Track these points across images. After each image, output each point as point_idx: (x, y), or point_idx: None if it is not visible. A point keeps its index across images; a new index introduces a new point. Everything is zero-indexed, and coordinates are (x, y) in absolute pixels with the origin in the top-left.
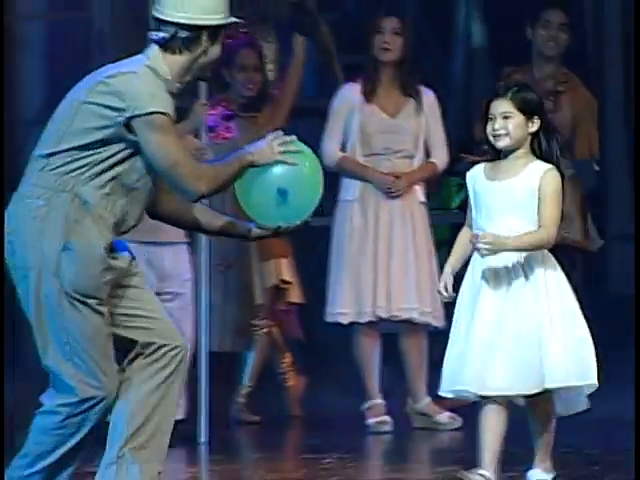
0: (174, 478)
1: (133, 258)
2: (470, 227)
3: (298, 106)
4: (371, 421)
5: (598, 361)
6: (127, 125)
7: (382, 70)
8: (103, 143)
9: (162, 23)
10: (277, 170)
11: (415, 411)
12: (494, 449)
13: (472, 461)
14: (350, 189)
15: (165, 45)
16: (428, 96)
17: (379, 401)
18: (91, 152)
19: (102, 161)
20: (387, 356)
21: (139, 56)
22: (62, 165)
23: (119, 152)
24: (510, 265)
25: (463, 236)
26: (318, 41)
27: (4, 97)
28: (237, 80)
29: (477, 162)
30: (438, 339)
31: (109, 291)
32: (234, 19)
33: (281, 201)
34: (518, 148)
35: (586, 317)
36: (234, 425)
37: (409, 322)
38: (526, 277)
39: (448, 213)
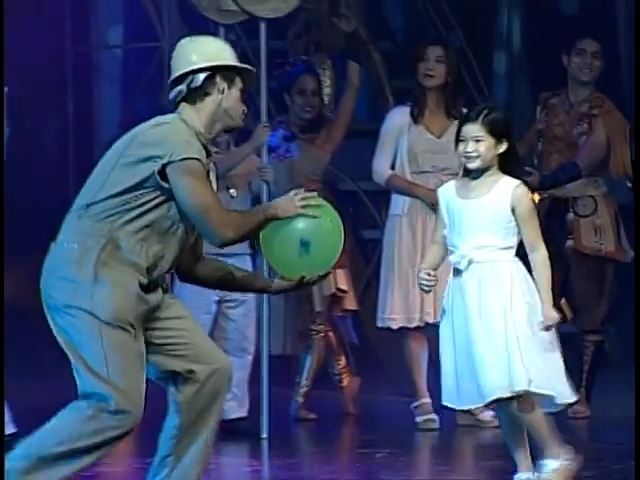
0: (238, 470)
1: (165, 291)
2: (438, 244)
3: (352, 128)
4: (419, 419)
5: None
6: (161, 172)
7: (428, 94)
8: (138, 191)
9: (179, 82)
10: (299, 222)
11: (460, 409)
12: (523, 447)
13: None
14: (399, 204)
15: (187, 97)
16: None
17: (427, 400)
18: (126, 199)
19: (136, 207)
20: (434, 358)
21: (171, 114)
22: (98, 212)
23: (153, 199)
24: (487, 278)
25: (431, 255)
26: (370, 68)
27: (83, 120)
28: (297, 104)
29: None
30: None
31: (144, 323)
32: (245, 65)
33: (304, 252)
34: (488, 168)
35: (618, 325)
36: (293, 422)
37: None
38: (499, 288)
39: None
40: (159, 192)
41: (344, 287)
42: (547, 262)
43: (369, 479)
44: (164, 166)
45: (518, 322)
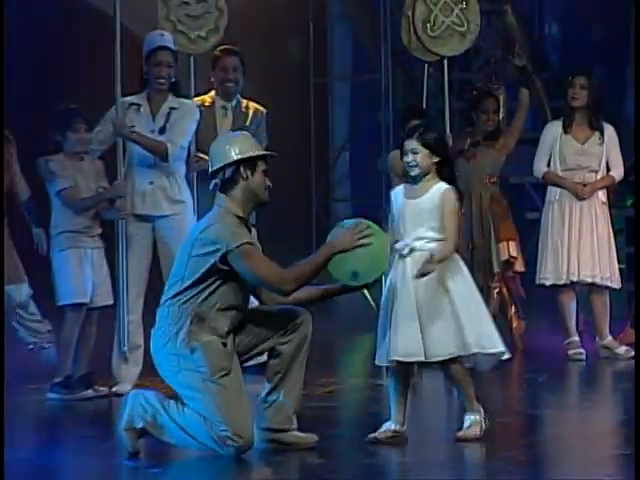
0: (434, 390)
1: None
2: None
3: (520, 137)
4: (570, 352)
5: None
6: (222, 260)
7: (575, 112)
8: (207, 277)
9: (216, 175)
10: (352, 256)
11: (601, 345)
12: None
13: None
14: (552, 193)
15: (223, 188)
16: (608, 129)
17: (575, 338)
18: (200, 285)
19: (208, 287)
20: (583, 306)
21: (216, 206)
22: (182, 299)
23: (219, 279)
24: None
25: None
26: (534, 92)
27: (321, 132)
28: (481, 120)
29: None
30: (615, 296)
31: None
32: (260, 152)
33: (353, 279)
34: (427, 174)
35: None
36: None
37: (593, 284)
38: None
39: (623, 209)
40: (222, 274)
41: (514, 254)
42: (450, 249)
43: (533, 397)
44: (224, 255)
45: (457, 296)
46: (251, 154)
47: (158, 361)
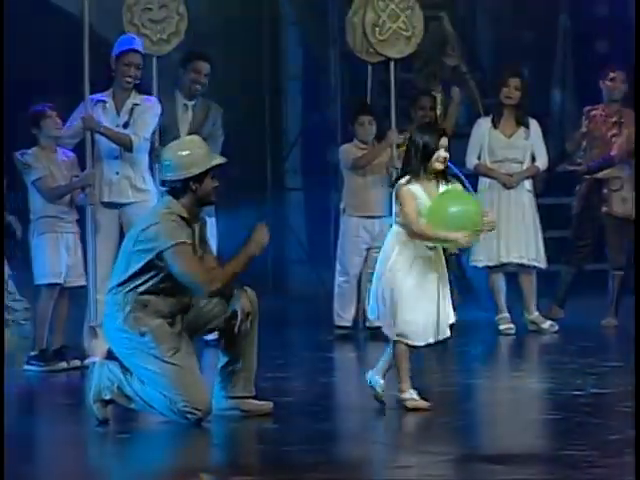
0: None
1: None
2: None
3: (455, 131)
4: (502, 327)
5: None
6: (158, 257)
7: (504, 109)
8: (147, 269)
9: (166, 182)
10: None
11: (528, 320)
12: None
13: (563, 351)
14: (483, 183)
15: (172, 192)
16: (533, 123)
17: (506, 314)
18: (141, 275)
19: (149, 279)
20: (511, 286)
21: (161, 205)
22: (126, 288)
23: (157, 271)
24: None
25: None
26: (467, 91)
27: (276, 128)
28: (418, 115)
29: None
30: (542, 275)
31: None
32: (209, 165)
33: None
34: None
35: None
36: None
37: (522, 265)
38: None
39: None
40: (160, 266)
41: None
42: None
43: (468, 368)
44: (160, 253)
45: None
46: (199, 170)
47: (112, 343)
